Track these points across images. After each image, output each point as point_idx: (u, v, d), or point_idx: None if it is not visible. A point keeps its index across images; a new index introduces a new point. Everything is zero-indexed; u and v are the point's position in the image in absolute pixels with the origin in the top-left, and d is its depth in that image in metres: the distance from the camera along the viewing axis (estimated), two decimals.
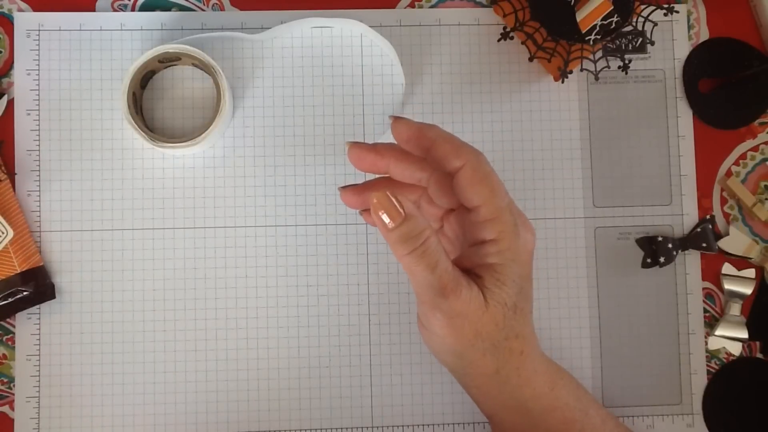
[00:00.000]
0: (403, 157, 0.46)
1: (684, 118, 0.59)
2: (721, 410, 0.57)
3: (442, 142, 0.43)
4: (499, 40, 0.58)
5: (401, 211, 0.41)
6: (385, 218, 0.41)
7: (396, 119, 0.44)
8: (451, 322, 0.43)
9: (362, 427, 0.56)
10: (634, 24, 0.53)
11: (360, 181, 0.53)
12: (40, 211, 0.56)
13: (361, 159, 0.46)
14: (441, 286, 0.42)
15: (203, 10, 0.58)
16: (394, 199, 0.41)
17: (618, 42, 0.58)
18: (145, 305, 0.56)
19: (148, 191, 0.57)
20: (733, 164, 0.59)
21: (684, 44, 0.59)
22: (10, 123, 0.56)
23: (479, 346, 0.44)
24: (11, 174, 0.56)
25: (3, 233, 0.52)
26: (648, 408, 0.57)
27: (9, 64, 0.57)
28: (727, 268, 0.58)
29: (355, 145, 0.46)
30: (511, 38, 0.57)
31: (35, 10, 0.57)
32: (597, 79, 0.56)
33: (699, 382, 0.57)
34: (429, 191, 0.46)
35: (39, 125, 0.57)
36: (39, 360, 0.55)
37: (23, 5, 0.57)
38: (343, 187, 0.48)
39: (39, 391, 0.55)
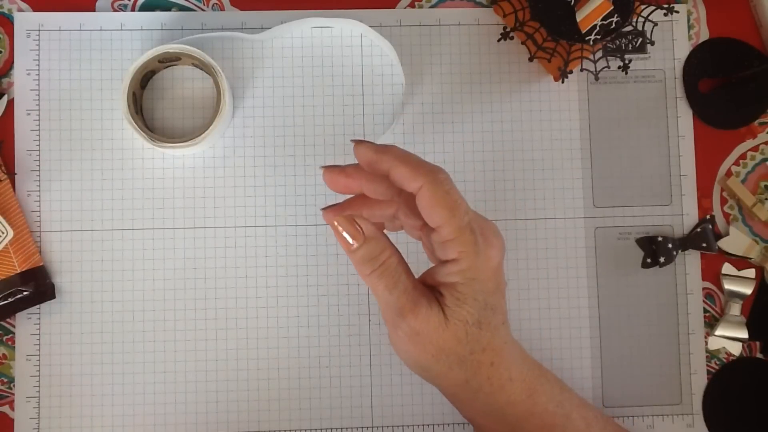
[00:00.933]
0: (371, 177, 0.46)
1: (684, 118, 0.59)
2: (721, 410, 0.57)
3: (399, 164, 0.43)
4: (499, 40, 0.58)
5: (362, 233, 0.44)
6: (348, 239, 0.44)
7: (356, 144, 0.44)
8: (412, 340, 0.44)
9: (362, 427, 0.56)
10: (634, 24, 0.53)
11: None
12: (40, 211, 0.56)
13: (334, 182, 0.46)
14: (399, 306, 0.44)
15: (203, 10, 0.58)
16: (356, 223, 0.44)
17: (618, 42, 0.58)
18: (145, 305, 0.56)
19: (148, 191, 0.57)
20: (733, 164, 0.59)
21: (684, 44, 0.59)
22: (10, 123, 0.56)
23: (444, 361, 0.45)
24: (11, 174, 0.56)
25: (3, 233, 0.52)
26: (648, 408, 0.57)
27: (9, 64, 0.57)
28: (727, 268, 0.58)
29: (327, 170, 0.46)
30: (511, 38, 0.57)
31: (35, 10, 0.57)
32: (597, 79, 0.56)
33: (699, 382, 0.57)
34: (399, 211, 0.47)
35: (39, 125, 0.57)
36: (39, 360, 0.55)
37: (23, 5, 0.57)
38: (324, 208, 0.47)
39: (39, 391, 0.55)
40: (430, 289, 0.45)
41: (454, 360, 0.45)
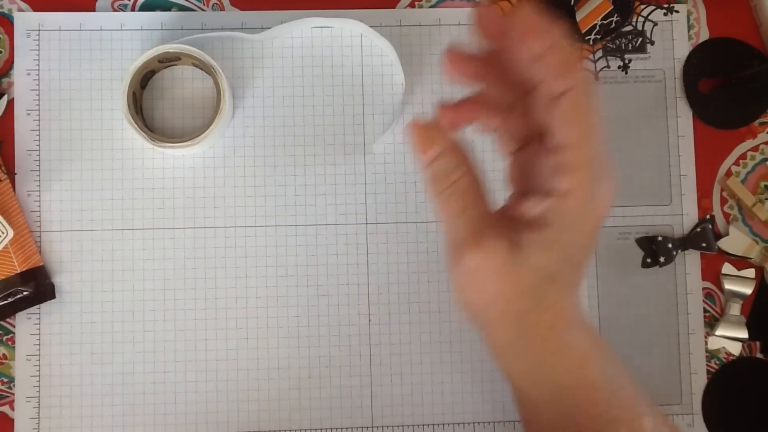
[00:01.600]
0: (487, 70, 0.38)
1: (684, 118, 0.59)
2: (721, 410, 0.57)
3: (555, 49, 0.34)
4: None
5: (437, 145, 0.37)
6: (421, 149, 0.37)
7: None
8: (468, 278, 0.38)
9: (362, 427, 0.56)
10: (634, 24, 0.53)
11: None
12: (40, 211, 0.56)
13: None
14: (462, 237, 0.37)
15: (203, 10, 0.58)
16: (433, 132, 0.37)
17: (618, 42, 0.58)
18: (145, 305, 0.56)
19: (148, 191, 0.57)
20: (733, 164, 0.59)
21: (684, 44, 0.59)
22: (10, 123, 0.56)
23: (498, 311, 0.38)
24: (11, 174, 0.56)
25: (3, 233, 0.52)
26: None
27: (9, 64, 0.57)
28: (727, 268, 0.58)
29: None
30: None
31: (35, 10, 0.57)
32: (597, 79, 0.56)
33: (699, 381, 0.57)
34: (504, 123, 0.39)
35: (39, 125, 0.57)
36: (39, 360, 0.55)
37: (23, 5, 0.57)
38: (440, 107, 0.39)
39: (39, 391, 0.55)
40: (507, 222, 0.38)
41: (511, 313, 0.38)
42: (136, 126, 0.53)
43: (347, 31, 0.58)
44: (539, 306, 0.38)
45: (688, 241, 0.57)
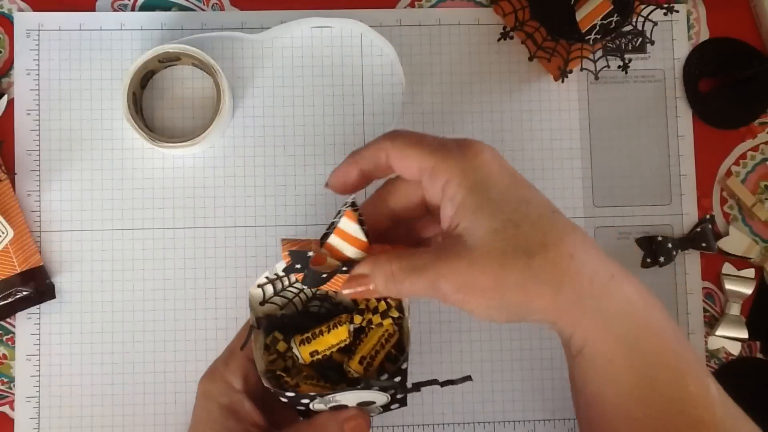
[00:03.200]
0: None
1: (684, 118, 0.59)
2: None
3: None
4: (499, 40, 0.58)
5: (364, 275, 0.41)
6: (363, 289, 0.41)
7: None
8: (466, 293, 0.39)
9: None
10: (633, 24, 0.53)
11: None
12: (40, 211, 0.56)
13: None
14: (431, 279, 0.39)
15: (203, 10, 0.58)
16: (351, 277, 0.41)
17: (618, 42, 0.58)
18: (145, 305, 0.56)
19: (148, 191, 0.57)
20: (733, 164, 0.59)
21: (684, 44, 0.59)
22: (10, 123, 0.56)
23: (511, 284, 0.38)
24: (11, 174, 0.56)
25: (3, 233, 0.52)
26: None
27: (9, 64, 0.57)
28: (727, 268, 0.58)
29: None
30: (511, 38, 0.57)
31: (35, 10, 0.57)
32: (597, 78, 0.56)
33: None
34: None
35: (39, 125, 0.57)
36: (39, 360, 0.55)
37: (23, 5, 0.57)
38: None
39: (39, 391, 0.55)
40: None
41: (521, 274, 0.38)
42: (136, 126, 0.53)
43: (347, 31, 0.58)
44: (535, 249, 0.38)
45: (688, 241, 0.57)
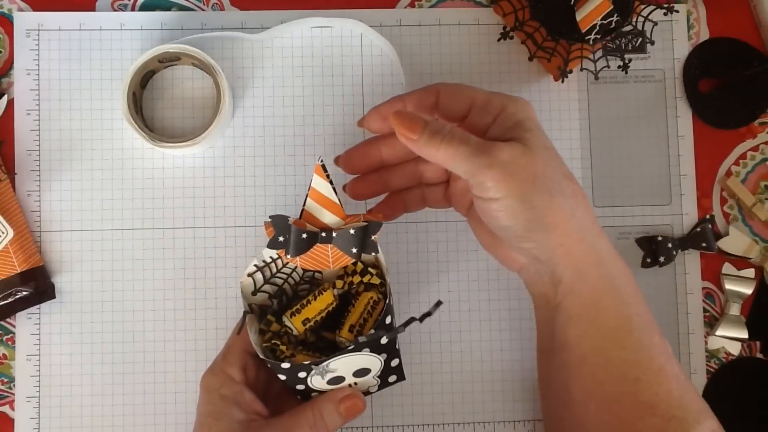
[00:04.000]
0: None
1: (684, 118, 0.59)
2: (720, 410, 0.57)
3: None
4: (499, 40, 0.58)
5: (420, 119, 0.44)
6: (408, 134, 0.45)
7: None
8: (505, 171, 0.43)
9: (362, 427, 0.56)
10: (633, 24, 0.53)
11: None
12: (40, 211, 0.56)
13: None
14: (480, 149, 0.44)
15: (203, 10, 0.58)
16: (407, 115, 0.45)
17: (618, 41, 0.58)
18: (145, 305, 0.56)
19: (148, 191, 0.57)
20: (733, 164, 0.59)
21: (684, 44, 0.59)
22: (10, 123, 0.56)
23: (543, 188, 0.44)
24: (11, 174, 0.56)
25: (3, 233, 0.52)
26: None
27: (9, 64, 0.57)
28: (727, 268, 0.58)
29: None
30: (511, 38, 0.57)
31: (35, 9, 0.57)
32: (597, 78, 0.56)
33: (699, 381, 0.57)
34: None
35: (39, 125, 0.57)
36: (39, 360, 0.55)
37: (23, 5, 0.57)
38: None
39: (39, 391, 0.55)
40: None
41: (552, 186, 0.44)
42: (136, 126, 0.53)
43: (347, 31, 0.58)
44: (565, 174, 0.46)
45: (688, 241, 0.57)
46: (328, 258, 0.46)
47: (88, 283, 0.56)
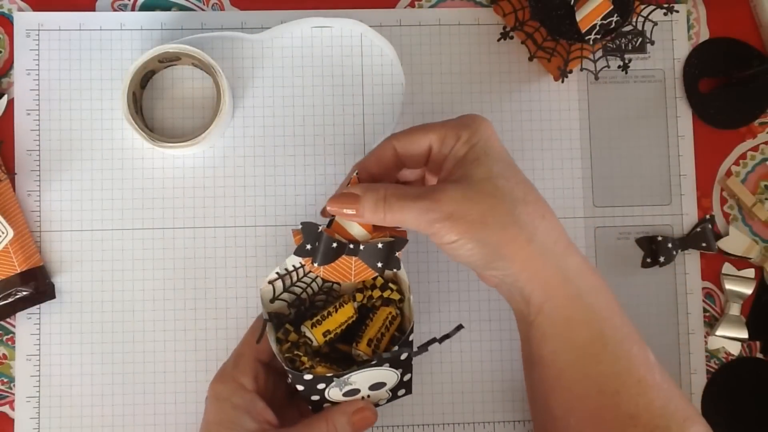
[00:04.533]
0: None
1: (684, 118, 0.59)
2: (720, 410, 0.57)
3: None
4: (499, 40, 0.58)
5: (354, 194, 0.45)
6: (349, 211, 0.45)
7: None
8: (452, 219, 0.43)
9: None
10: (633, 24, 0.53)
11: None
12: (40, 211, 0.56)
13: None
14: (423, 206, 0.44)
15: (203, 10, 0.58)
16: (342, 194, 0.45)
17: (618, 42, 0.58)
18: (145, 305, 0.56)
19: (148, 191, 0.57)
20: (733, 164, 0.59)
21: (684, 44, 0.59)
22: (10, 123, 0.56)
23: (494, 223, 0.44)
24: (11, 174, 0.56)
25: (3, 233, 0.52)
26: None
27: (9, 64, 0.57)
28: (727, 268, 0.58)
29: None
30: (511, 38, 0.57)
31: (35, 9, 0.57)
32: (597, 78, 0.56)
33: (699, 381, 0.57)
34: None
35: (39, 125, 0.57)
36: (39, 360, 0.55)
37: (23, 5, 0.57)
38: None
39: (39, 391, 0.55)
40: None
41: (504, 216, 0.44)
42: (136, 126, 0.53)
43: (347, 31, 0.58)
44: (518, 199, 0.45)
45: (688, 241, 0.57)
46: (350, 270, 0.46)
47: (88, 283, 0.56)
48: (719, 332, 0.57)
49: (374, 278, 0.49)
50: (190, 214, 0.57)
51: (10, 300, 0.54)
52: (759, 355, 0.58)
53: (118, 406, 0.55)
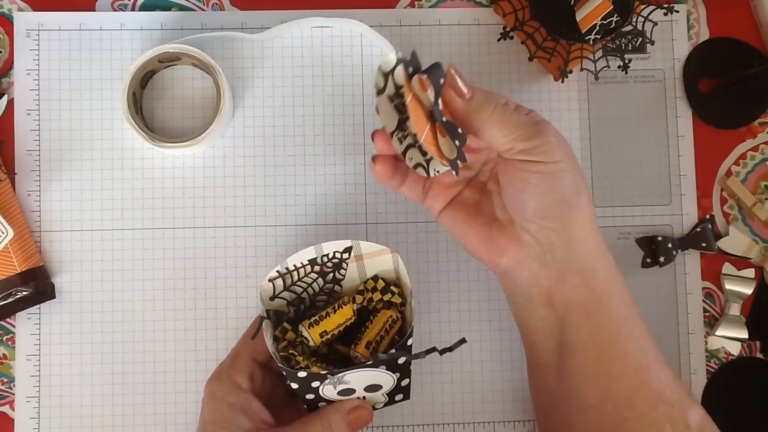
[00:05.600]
0: None
1: (684, 118, 0.59)
2: (720, 410, 0.57)
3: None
4: (499, 40, 0.58)
5: (471, 87, 0.45)
6: (463, 88, 0.44)
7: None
8: (559, 138, 0.45)
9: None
10: (633, 24, 0.53)
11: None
12: (40, 211, 0.56)
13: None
14: (528, 118, 0.45)
15: (203, 10, 0.58)
16: (464, 78, 0.45)
17: (618, 42, 0.58)
18: (145, 305, 0.56)
19: (148, 191, 0.57)
20: (733, 164, 0.59)
21: (684, 44, 0.59)
22: (10, 123, 0.56)
23: (578, 167, 0.46)
24: (11, 174, 0.56)
25: (3, 233, 0.52)
26: None
27: (9, 64, 0.57)
28: (727, 268, 0.58)
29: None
30: (511, 38, 0.57)
31: (35, 9, 0.57)
32: (597, 78, 0.56)
33: (699, 381, 0.57)
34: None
35: (39, 125, 0.57)
36: (39, 360, 0.55)
37: (23, 5, 0.57)
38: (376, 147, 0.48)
39: (39, 391, 0.55)
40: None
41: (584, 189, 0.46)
42: (136, 126, 0.53)
43: (347, 31, 0.58)
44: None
45: (688, 241, 0.57)
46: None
47: (88, 283, 0.56)
48: (719, 332, 0.57)
49: (375, 281, 0.49)
50: (190, 214, 0.57)
51: (10, 300, 0.54)
52: (759, 355, 0.58)
53: (118, 406, 0.55)
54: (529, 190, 0.44)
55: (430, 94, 0.42)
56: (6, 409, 0.55)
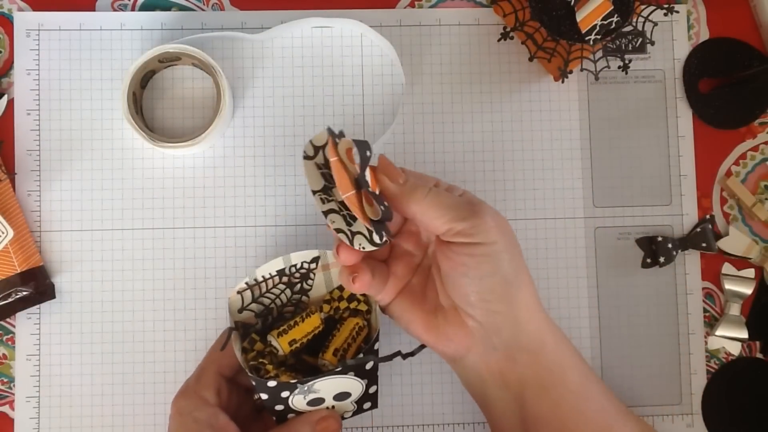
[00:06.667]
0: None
1: (684, 118, 0.59)
2: (720, 410, 0.57)
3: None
4: (499, 40, 0.58)
5: (399, 173, 0.45)
6: (395, 171, 0.44)
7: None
8: (495, 219, 0.45)
9: (362, 427, 0.56)
10: (634, 24, 0.53)
11: None
12: (40, 211, 0.56)
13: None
14: (463, 201, 0.45)
15: (203, 10, 0.58)
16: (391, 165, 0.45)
17: (618, 42, 0.58)
18: (145, 305, 0.56)
19: (148, 191, 0.57)
20: (733, 164, 0.59)
21: (684, 44, 0.59)
22: (10, 123, 0.56)
23: (517, 248, 0.46)
24: (11, 174, 0.56)
25: (3, 233, 0.52)
26: (648, 408, 0.57)
27: (9, 64, 0.57)
28: (727, 268, 0.58)
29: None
30: (511, 38, 0.57)
31: (35, 9, 0.57)
32: (597, 79, 0.56)
33: (699, 382, 0.57)
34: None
35: (39, 125, 0.57)
36: (39, 360, 0.55)
37: (23, 5, 0.57)
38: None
39: (39, 391, 0.55)
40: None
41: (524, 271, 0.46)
42: (136, 126, 0.53)
43: (347, 31, 0.58)
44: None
45: (688, 241, 0.57)
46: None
47: (88, 283, 0.56)
48: (719, 332, 0.57)
49: (341, 290, 0.49)
50: (190, 214, 0.57)
51: (10, 300, 0.54)
52: (759, 355, 0.58)
53: (118, 406, 0.55)
54: (470, 274, 0.44)
55: (356, 158, 0.41)
56: (6, 409, 0.55)
